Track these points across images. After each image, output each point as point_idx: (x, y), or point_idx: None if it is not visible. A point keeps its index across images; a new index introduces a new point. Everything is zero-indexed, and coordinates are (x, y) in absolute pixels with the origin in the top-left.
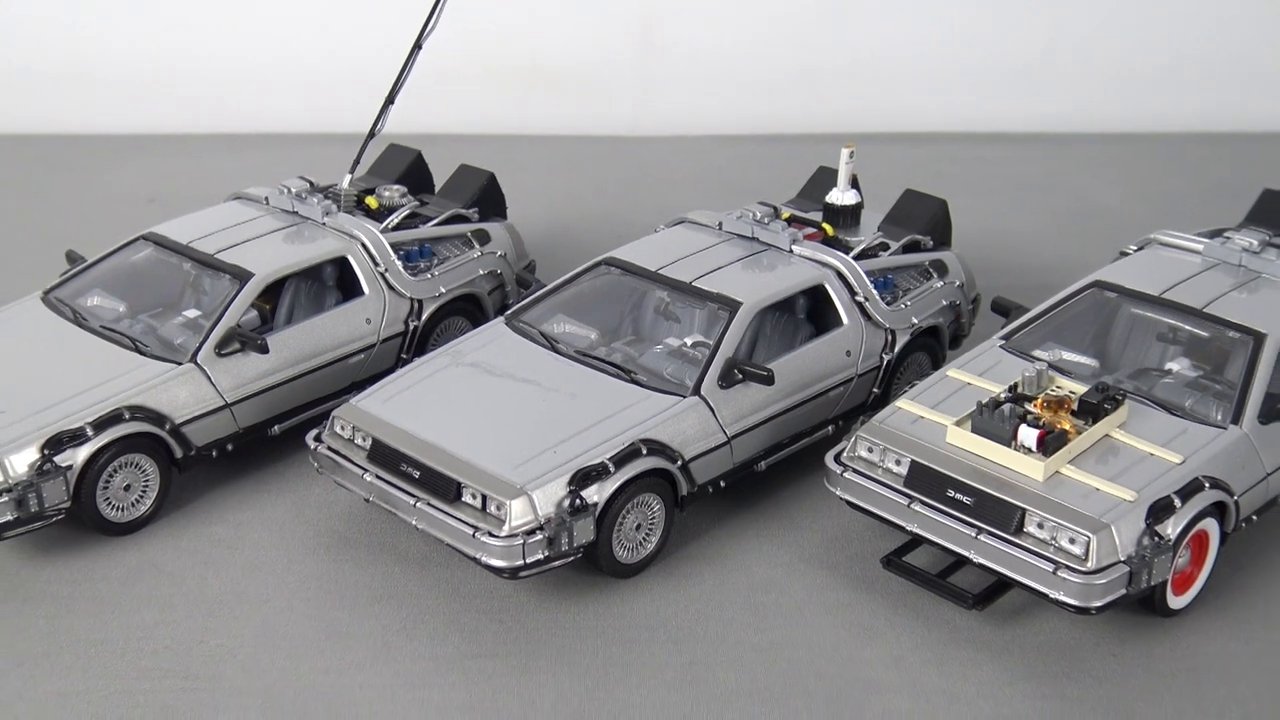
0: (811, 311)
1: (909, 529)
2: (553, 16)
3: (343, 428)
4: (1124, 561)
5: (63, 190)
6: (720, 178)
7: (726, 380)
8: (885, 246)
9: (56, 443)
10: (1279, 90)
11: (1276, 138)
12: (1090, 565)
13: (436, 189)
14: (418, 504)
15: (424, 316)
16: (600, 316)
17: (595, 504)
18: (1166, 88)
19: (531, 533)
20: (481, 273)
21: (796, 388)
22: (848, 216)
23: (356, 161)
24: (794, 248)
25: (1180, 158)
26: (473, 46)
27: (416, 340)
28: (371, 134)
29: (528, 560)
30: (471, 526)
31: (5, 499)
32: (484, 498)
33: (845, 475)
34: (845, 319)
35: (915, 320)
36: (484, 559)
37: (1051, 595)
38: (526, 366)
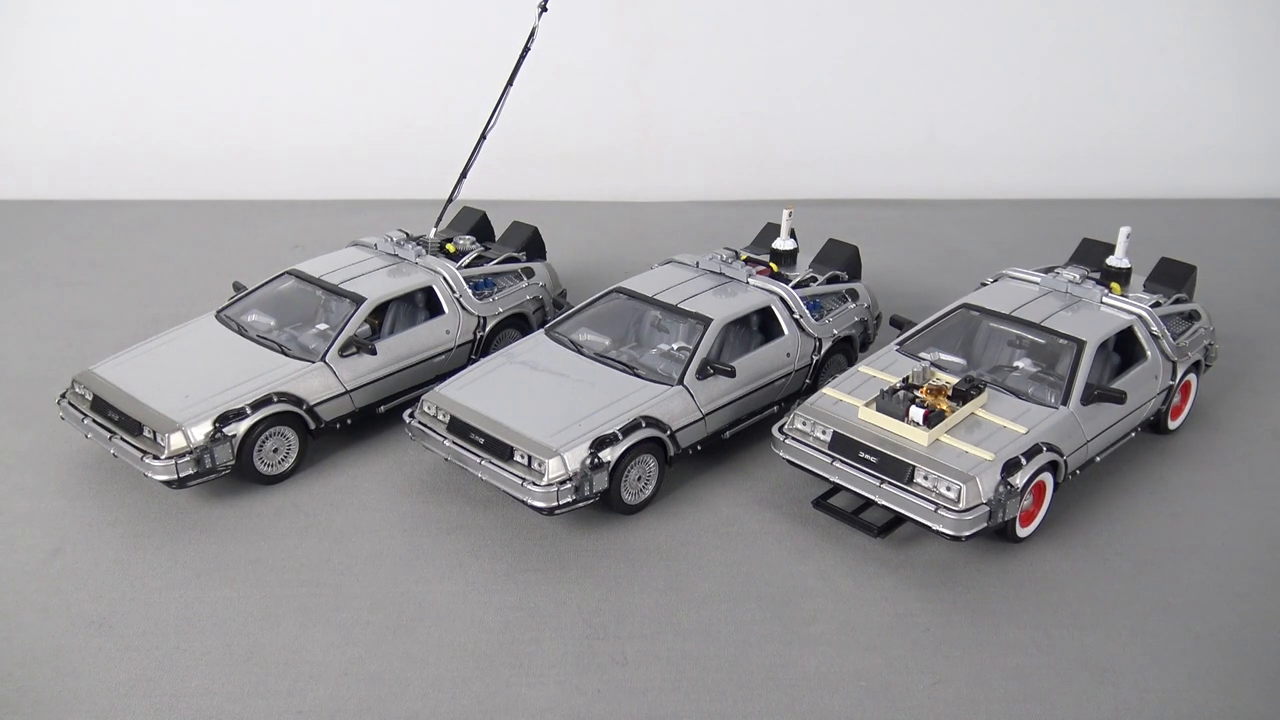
0: (762, 325)
1: (832, 480)
2: (577, 117)
3: (429, 407)
4: (985, 503)
5: (233, 239)
6: (698, 231)
7: (702, 374)
8: (814, 279)
9: (225, 418)
10: (1090, 167)
11: (1091, 202)
12: (961, 506)
13: (496, 238)
14: (482, 462)
15: (487, 329)
16: (612, 329)
17: (608, 462)
18: (1011, 166)
19: (563, 483)
20: (528, 298)
21: (751, 379)
22: (787, 258)
23: (439, 219)
24: (749, 280)
25: (1023, 216)
26: (521, 137)
27: (482, 346)
28: (450, 199)
29: (560, 502)
30: (520, 478)
31: (188, 458)
32: (529, 457)
33: (786, 441)
34: (786, 331)
35: (836, 332)
36: (529, 501)
37: (933, 527)
38: (559, 364)
